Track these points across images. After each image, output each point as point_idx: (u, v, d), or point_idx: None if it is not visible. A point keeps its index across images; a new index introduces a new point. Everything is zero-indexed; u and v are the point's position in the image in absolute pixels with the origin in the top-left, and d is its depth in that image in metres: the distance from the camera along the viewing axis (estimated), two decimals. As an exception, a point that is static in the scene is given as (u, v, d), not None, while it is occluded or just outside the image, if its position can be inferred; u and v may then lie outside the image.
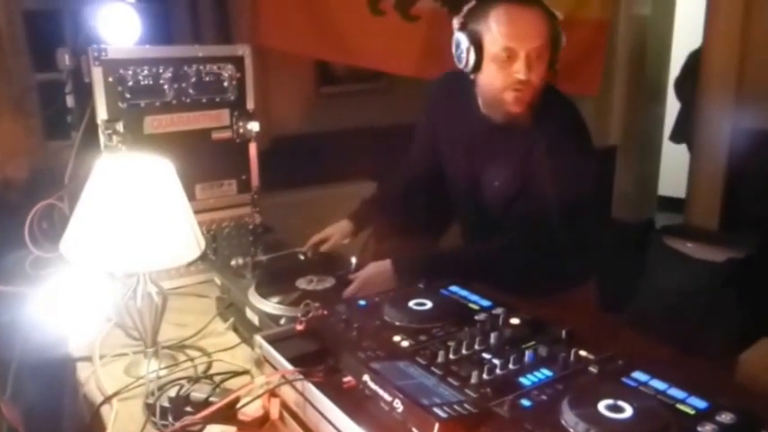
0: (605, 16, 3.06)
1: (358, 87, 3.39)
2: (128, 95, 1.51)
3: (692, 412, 0.81)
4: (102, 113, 1.49)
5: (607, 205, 3.21)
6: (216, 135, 1.65)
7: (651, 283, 2.30)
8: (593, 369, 0.91)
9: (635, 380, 0.89)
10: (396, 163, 1.77)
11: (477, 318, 1.07)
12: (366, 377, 0.89)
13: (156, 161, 1.15)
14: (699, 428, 0.77)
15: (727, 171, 2.75)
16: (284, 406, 1.04)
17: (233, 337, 1.35)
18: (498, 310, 1.09)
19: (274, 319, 1.21)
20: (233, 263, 1.44)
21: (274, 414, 1.04)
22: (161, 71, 1.55)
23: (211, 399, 1.03)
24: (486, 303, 1.13)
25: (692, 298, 1.35)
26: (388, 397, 0.84)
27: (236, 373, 1.16)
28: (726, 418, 0.79)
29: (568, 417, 0.78)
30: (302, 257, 1.52)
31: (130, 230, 1.09)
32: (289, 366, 0.99)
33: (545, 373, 0.90)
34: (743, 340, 1.52)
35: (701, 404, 0.82)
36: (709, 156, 2.90)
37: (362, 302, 1.14)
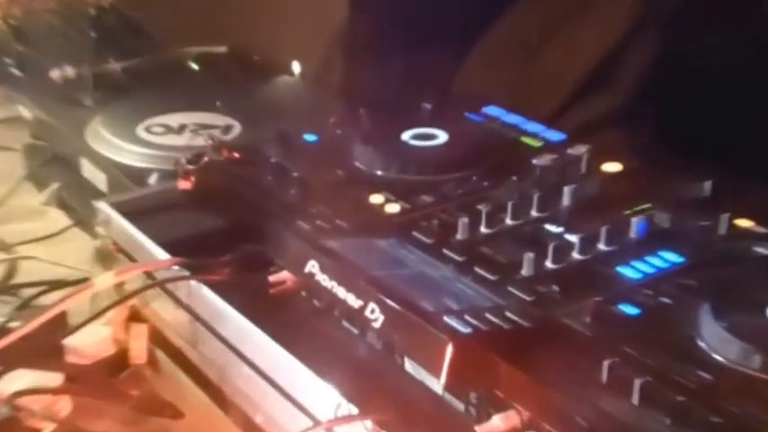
0: None
1: None
2: None
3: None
4: None
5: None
6: None
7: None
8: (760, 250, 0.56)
9: None
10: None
11: (535, 162, 0.68)
12: (313, 265, 0.55)
13: None
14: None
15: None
16: (156, 338, 0.67)
17: (58, 217, 0.95)
18: (579, 150, 0.69)
19: (138, 175, 0.82)
20: (54, 75, 1.02)
21: (138, 353, 0.67)
22: None
23: (12, 324, 0.66)
24: (554, 137, 0.76)
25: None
26: (355, 301, 0.51)
27: (59, 283, 0.77)
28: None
29: (711, 331, 0.44)
30: (196, 67, 1.10)
31: None
32: (164, 256, 0.61)
33: (668, 257, 0.56)
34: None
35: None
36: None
37: (312, 138, 0.75)
